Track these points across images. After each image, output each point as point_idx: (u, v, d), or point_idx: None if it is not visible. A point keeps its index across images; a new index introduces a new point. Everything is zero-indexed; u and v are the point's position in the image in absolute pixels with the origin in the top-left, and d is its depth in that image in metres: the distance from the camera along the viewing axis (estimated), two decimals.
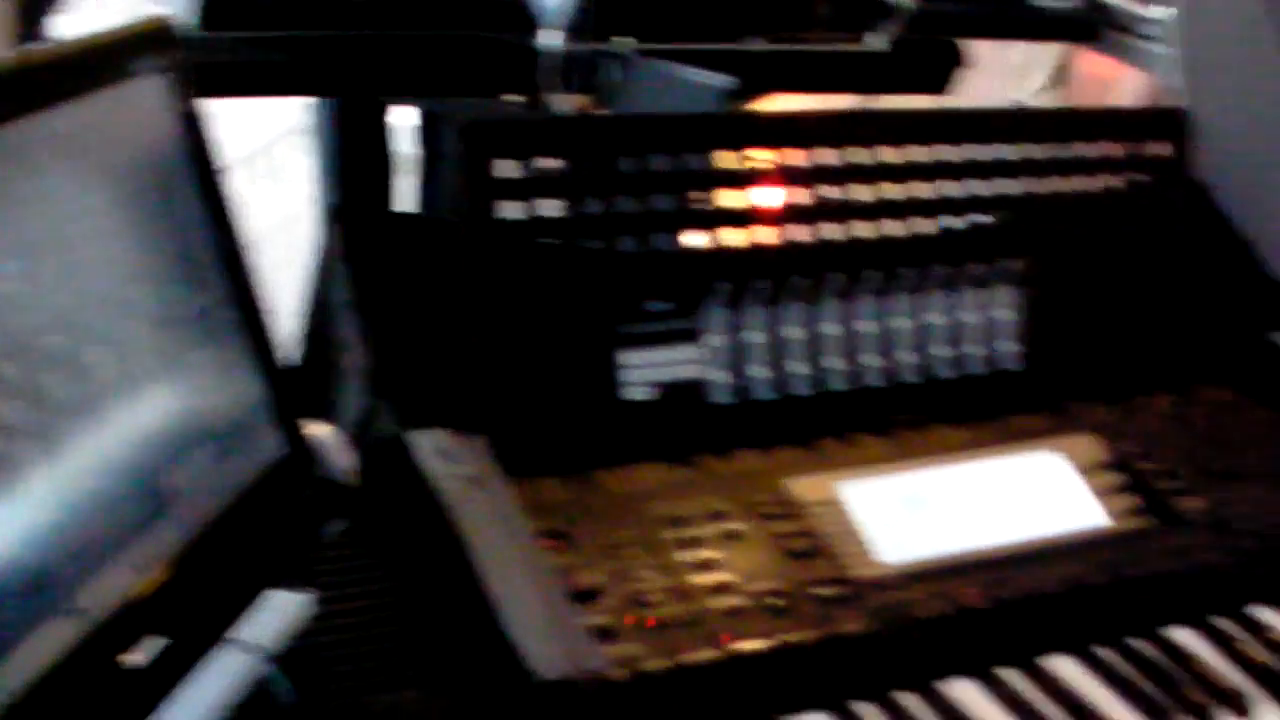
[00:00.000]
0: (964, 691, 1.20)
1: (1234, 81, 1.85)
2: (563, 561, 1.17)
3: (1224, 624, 1.32)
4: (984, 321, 1.49)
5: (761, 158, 1.42)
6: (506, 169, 1.33)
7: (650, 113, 1.60)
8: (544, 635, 1.06)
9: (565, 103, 1.68)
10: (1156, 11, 2.03)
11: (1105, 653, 1.26)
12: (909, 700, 1.18)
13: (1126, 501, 1.40)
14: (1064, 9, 2.14)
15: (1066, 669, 1.24)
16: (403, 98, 1.91)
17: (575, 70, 1.66)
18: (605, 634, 1.12)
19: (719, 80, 1.69)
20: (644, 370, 1.34)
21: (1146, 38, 2.19)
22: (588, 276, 1.34)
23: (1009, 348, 1.50)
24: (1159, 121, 1.68)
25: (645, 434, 1.32)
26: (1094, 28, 2.18)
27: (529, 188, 1.34)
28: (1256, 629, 1.32)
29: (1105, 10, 2.18)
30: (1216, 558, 1.36)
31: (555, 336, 1.32)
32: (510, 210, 1.33)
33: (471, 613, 1.08)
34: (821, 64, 1.93)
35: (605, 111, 1.68)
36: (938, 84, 2.59)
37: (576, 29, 1.58)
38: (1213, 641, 1.30)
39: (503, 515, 1.14)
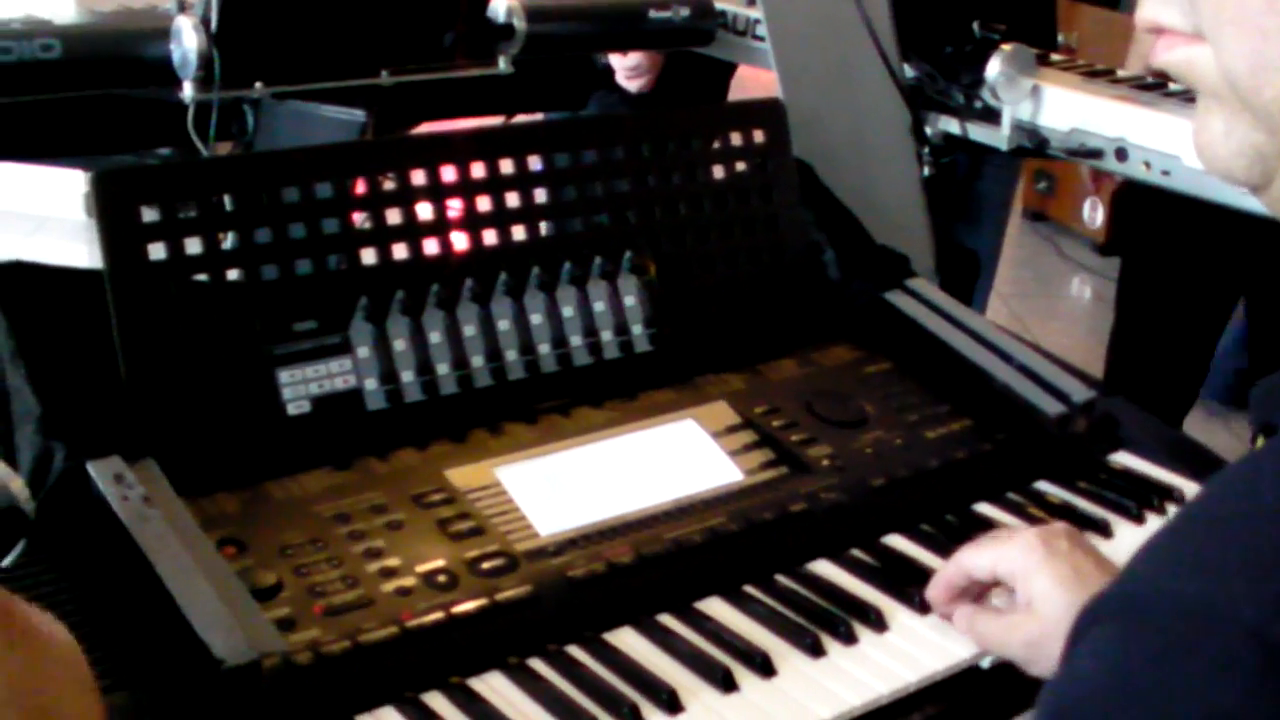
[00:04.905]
0: (627, 639, 1.32)
1: (818, 70, 2.04)
2: (241, 565, 1.27)
3: (859, 554, 1.48)
4: (614, 310, 1.63)
5: (389, 180, 1.54)
6: (152, 215, 1.41)
7: (275, 149, 1.69)
8: (228, 629, 1.15)
9: (217, 150, 1.77)
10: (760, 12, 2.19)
11: (756, 591, 1.40)
12: (578, 653, 1.30)
13: (758, 457, 1.56)
14: (677, 18, 2.27)
15: (719, 609, 1.38)
16: (60, 160, 1.96)
17: (221, 119, 1.74)
18: (287, 624, 1.23)
19: (351, 114, 1.81)
20: (302, 386, 1.44)
21: (758, 37, 2.36)
22: (237, 306, 1.44)
23: (640, 332, 1.65)
24: (759, 113, 1.84)
25: (309, 444, 1.43)
26: (709, 32, 2.33)
27: (178, 229, 1.42)
28: (888, 555, 1.49)
29: (716, 15, 2.33)
30: (842, 497, 1.52)
31: (214, 364, 1.42)
32: (161, 252, 1.42)
33: (159, 618, 1.17)
34: (453, 90, 2.05)
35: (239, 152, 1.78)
36: (576, 99, 2.73)
37: (207, 80, 1.66)
38: (850, 569, 1.45)
39: (179, 528, 1.23)
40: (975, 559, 1.35)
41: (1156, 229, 3.13)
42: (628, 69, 3.02)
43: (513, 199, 1.60)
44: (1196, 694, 0.60)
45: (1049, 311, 5.63)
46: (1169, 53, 0.80)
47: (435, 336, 1.52)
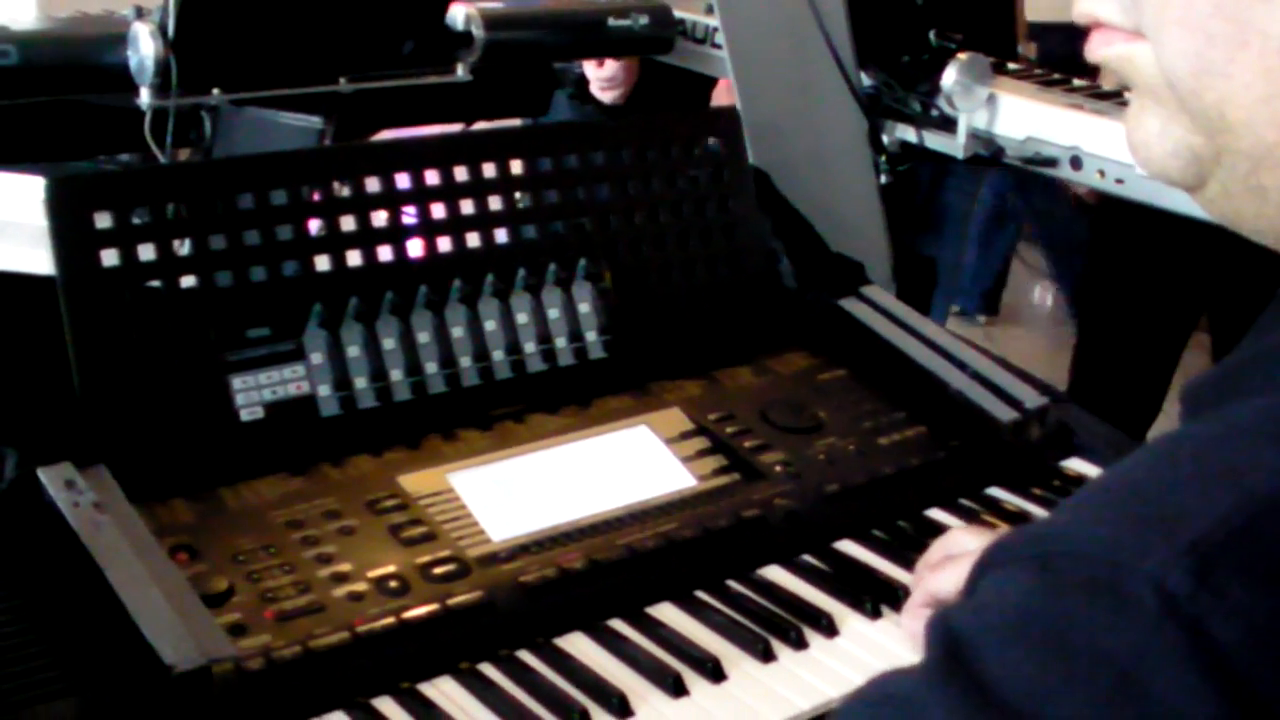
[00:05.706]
0: (577, 644, 1.33)
1: (776, 78, 2.05)
2: (193, 571, 1.27)
3: (812, 560, 1.48)
4: (569, 317, 1.64)
5: (345, 187, 1.54)
6: (106, 221, 1.41)
7: (230, 156, 1.70)
8: (178, 635, 1.16)
9: (175, 156, 1.76)
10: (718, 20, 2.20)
11: (708, 597, 1.41)
12: (529, 658, 1.30)
13: (711, 463, 1.56)
14: (636, 26, 2.26)
15: (670, 615, 1.38)
16: (17, 167, 1.95)
17: (179, 125, 1.74)
18: (238, 630, 1.23)
19: (309, 121, 1.81)
20: (255, 392, 1.44)
21: (717, 45, 2.37)
22: (190, 312, 1.44)
23: (595, 338, 1.65)
24: (714, 121, 1.84)
25: (262, 450, 1.43)
26: (668, 40, 2.33)
27: (132, 236, 1.42)
28: (841, 561, 1.49)
29: (675, 23, 2.33)
30: (795, 504, 1.53)
31: (167, 370, 1.42)
32: (114, 259, 1.41)
33: (110, 624, 1.18)
34: (412, 97, 2.04)
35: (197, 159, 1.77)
36: (537, 106, 2.73)
37: (165, 86, 1.66)
38: (802, 575, 1.46)
39: (129, 534, 1.24)
40: (940, 582, 1.34)
41: (1118, 239, 3.14)
42: (602, 80, 3.02)
43: (468, 206, 1.60)
44: (1094, 633, 0.62)
45: (1011, 319, 5.66)
46: (1106, 48, 0.79)
47: (389, 343, 1.52)
